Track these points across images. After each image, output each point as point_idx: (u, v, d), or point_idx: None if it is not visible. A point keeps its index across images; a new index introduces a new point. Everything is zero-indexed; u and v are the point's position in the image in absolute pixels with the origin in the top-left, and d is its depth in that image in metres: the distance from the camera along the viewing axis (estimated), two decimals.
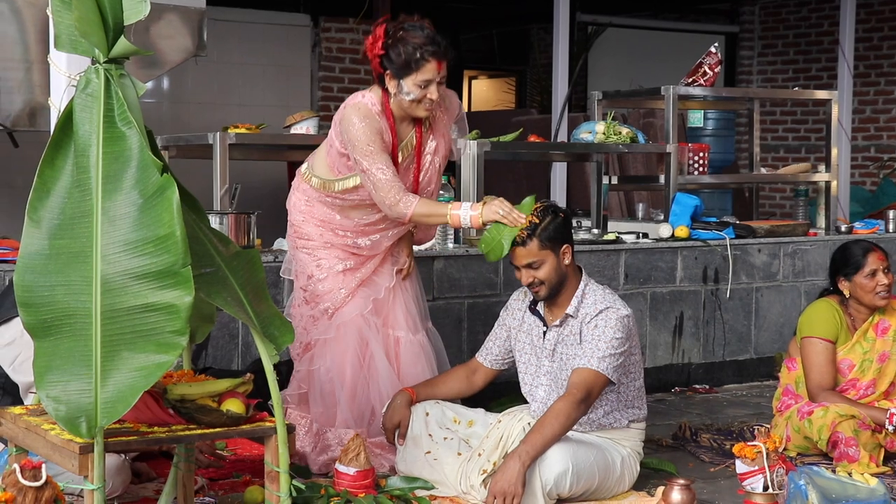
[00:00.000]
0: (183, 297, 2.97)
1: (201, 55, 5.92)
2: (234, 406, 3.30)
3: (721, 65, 6.97)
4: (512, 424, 4.25)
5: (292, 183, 4.64)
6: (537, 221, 4.12)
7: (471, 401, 4.55)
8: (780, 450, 4.01)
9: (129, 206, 2.98)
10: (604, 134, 6.48)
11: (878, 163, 11.10)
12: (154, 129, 3.20)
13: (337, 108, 4.54)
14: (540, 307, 4.29)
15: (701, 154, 6.89)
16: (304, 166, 4.59)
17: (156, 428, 3.24)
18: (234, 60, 9.63)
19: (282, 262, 4.76)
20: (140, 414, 3.22)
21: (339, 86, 10.06)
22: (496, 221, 4.18)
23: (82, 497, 3.14)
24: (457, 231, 5.71)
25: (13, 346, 3.90)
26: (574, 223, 6.42)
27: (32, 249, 3.00)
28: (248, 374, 3.43)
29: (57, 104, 4.44)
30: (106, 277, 2.97)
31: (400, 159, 4.42)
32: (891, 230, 7.19)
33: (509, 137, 6.27)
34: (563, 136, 8.05)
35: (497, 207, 4.20)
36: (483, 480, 4.03)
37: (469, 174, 5.84)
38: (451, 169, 5.71)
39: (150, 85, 8.73)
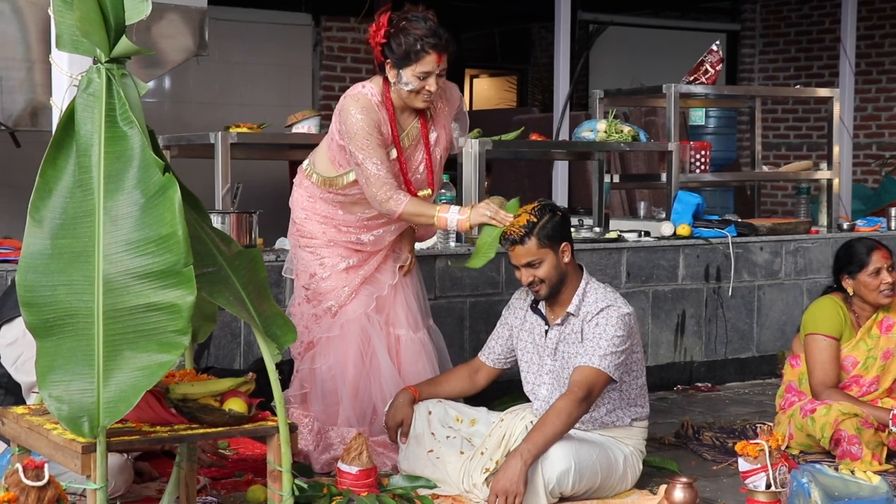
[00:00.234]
0: (185, 297, 2.97)
1: (203, 55, 5.92)
2: (236, 405, 3.30)
3: (722, 63, 6.97)
4: (514, 423, 4.25)
5: (294, 180, 4.64)
6: (535, 220, 4.12)
7: (473, 399, 4.55)
8: (783, 448, 4.00)
9: (131, 205, 2.98)
10: (605, 132, 6.47)
11: (880, 160, 11.09)
12: (156, 128, 3.20)
13: None
14: (542, 306, 4.29)
15: (703, 152, 6.89)
16: (305, 162, 4.59)
17: (158, 427, 3.24)
18: (235, 60, 9.62)
19: (283, 261, 4.76)
20: (142, 413, 3.22)
21: (340, 85, 10.05)
22: (485, 224, 4.20)
23: (85, 497, 3.14)
24: None
25: (15, 346, 3.90)
26: (576, 222, 6.43)
27: (34, 249, 3.00)
28: (251, 374, 3.43)
29: (59, 104, 4.44)
30: (108, 277, 2.97)
31: (404, 148, 4.42)
32: (893, 227, 7.19)
33: (511, 136, 6.27)
34: (564, 135, 8.04)
35: (484, 210, 4.22)
36: (485, 479, 4.03)
37: (470, 173, 5.84)
38: (453, 168, 5.70)
39: (151, 84, 8.73)
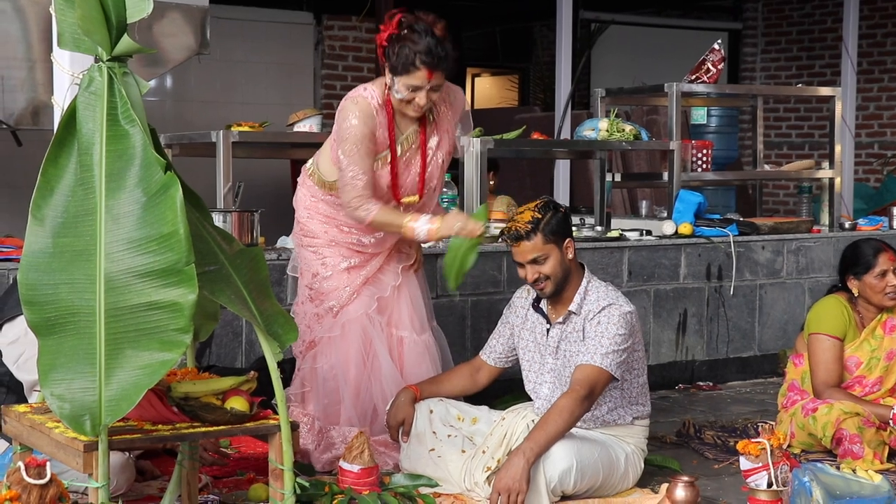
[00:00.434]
0: (186, 295, 2.97)
1: (204, 53, 5.93)
2: (237, 404, 3.30)
3: (724, 62, 6.97)
4: (516, 422, 4.25)
5: (298, 179, 4.64)
6: (539, 216, 4.12)
7: (475, 398, 4.55)
8: (785, 446, 4.00)
9: (133, 204, 2.98)
10: (607, 131, 6.47)
11: (882, 159, 11.09)
12: (157, 127, 3.20)
13: None
14: (543, 304, 4.29)
15: (704, 151, 6.88)
16: (309, 162, 4.59)
17: (160, 426, 3.24)
18: (237, 58, 9.63)
19: (285, 259, 4.77)
20: (144, 412, 3.22)
21: (341, 83, 10.06)
22: (454, 235, 4.21)
23: (87, 495, 3.14)
24: None
25: (17, 345, 3.90)
26: (577, 220, 6.42)
27: (36, 248, 3.00)
28: (252, 372, 3.43)
29: (60, 102, 4.43)
30: (109, 275, 2.97)
31: (399, 153, 4.41)
32: (895, 226, 7.19)
33: (512, 135, 6.27)
34: (566, 134, 8.05)
35: (453, 220, 4.23)
36: (487, 478, 4.03)
37: (472, 172, 5.84)
38: (455, 167, 5.70)
39: (153, 83, 8.73)
